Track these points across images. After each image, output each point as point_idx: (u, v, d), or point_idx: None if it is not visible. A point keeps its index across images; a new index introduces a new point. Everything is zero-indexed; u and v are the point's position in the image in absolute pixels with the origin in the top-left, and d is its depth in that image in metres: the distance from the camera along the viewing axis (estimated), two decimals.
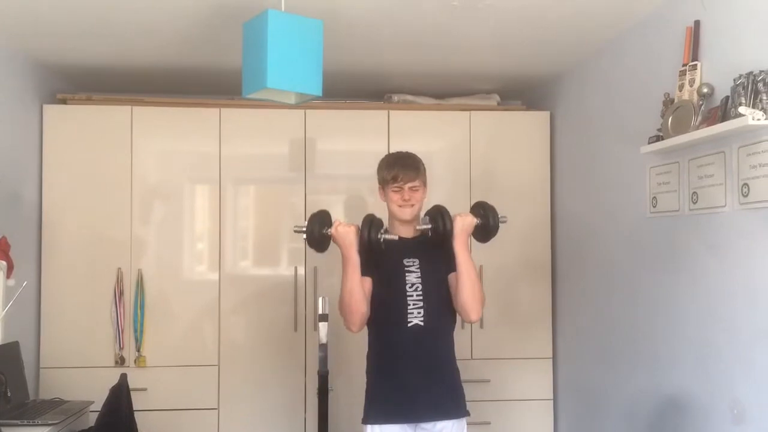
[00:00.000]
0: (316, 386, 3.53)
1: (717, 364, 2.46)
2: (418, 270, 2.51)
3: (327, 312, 3.58)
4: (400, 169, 2.51)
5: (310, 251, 3.86)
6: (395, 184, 2.51)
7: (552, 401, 3.99)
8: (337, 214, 3.95)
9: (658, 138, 2.72)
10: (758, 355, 2.25)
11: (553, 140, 4.04)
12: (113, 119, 3.78)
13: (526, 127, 4.04)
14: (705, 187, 2.51)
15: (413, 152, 2.61)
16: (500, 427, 3.92)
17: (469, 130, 3.99)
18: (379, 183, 2.58)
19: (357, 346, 3.87)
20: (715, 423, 2.47)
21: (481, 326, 3.94)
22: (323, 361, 3.52)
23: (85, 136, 3.76)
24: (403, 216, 2.54)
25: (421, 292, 2.47)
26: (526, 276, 3.99)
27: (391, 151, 2.70)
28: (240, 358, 3.82)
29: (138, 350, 3.74)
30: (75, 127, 3.76)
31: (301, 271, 3.86)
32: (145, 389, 3.68)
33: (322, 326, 3.55)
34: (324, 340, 3.54)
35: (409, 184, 2.51)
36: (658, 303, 2.86)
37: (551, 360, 4.00)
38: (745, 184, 2.29)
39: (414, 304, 2.47)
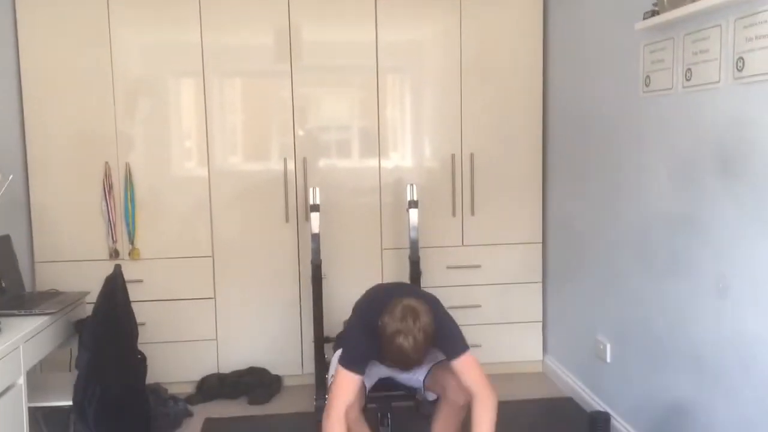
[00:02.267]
0: (310, 274, 3.60)
1: (701, 236, 2.49)
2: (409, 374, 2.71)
3: (318, 202, 3.59)
4: (402, 368, 2.49)
5: (300, 143, 3.85)
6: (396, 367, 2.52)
7: (541, 284, 4.09)
8: (327, 107, 3.90)
9: (654, 13, 2.63)
10: (735, 225, 2.27)
11: (546, 21, 3.92)
12: (89, 6, 3.64)
13: (518, 9, 3.91)
14: (699, 63, 2.45)
15: (423, 339, 2.38)
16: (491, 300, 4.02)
17: (460, 13, 3.86)
18: (379, 335, 2.43)
19: (349, 234, 3.93)
20: (703, 300, 2.52)
21: (472, 213, 3.97)
22: (316, 251, 3.56)
23: (62, 26, 3.63)
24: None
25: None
26: (518, 159, 3.98)
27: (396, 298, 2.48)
28: (234, 249, 3.85)
29: (131, 243, 3.76)
30: (50, 16, 3.62)
31: (291, 163, 3.83)
32: (141, 281, 3.74)
33: (314, 216, 3.57)
34: (316, 230, 3.57)
35: None
36: (642, 182, 2.87)
37: (541, 245, 4.05)
38: (741, 58, 2.23)
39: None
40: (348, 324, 2.73)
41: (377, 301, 2.58)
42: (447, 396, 2.68)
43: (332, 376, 2.63)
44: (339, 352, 2.71)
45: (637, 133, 2.94)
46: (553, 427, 3.39)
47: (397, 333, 2.33)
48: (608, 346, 3.27)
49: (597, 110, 3.34)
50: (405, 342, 2.32)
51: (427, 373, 2.73)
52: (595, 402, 3.41)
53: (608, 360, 3.28)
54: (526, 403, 3.58)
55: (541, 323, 4.10)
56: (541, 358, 4.12)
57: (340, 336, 2.92)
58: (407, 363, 2.39)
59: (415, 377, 2.75)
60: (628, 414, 3.11)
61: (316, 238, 3.56)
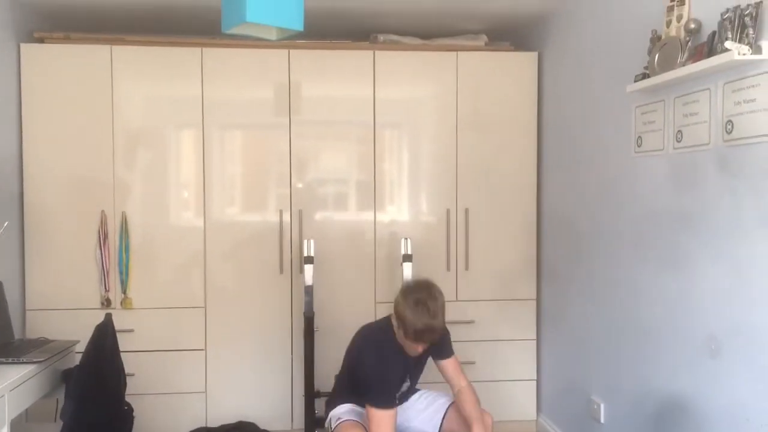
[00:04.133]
0: (302, 327, 3.57)
1: (692, 295, 2.49)
2: (408, 381, 2.78)
3: (312, 254, 3.59)
4: (426, 340, 2.56)
5: (296, 195, 3.87)
6: (418, 343, 2.57)
7: (535, 341, 4.05)
8: (324, 160, 3.94)
9: (645, 76, 2.69)
10: (736, 292, 2.27)
11: (541, 81, 3.99)
12: (92, 59, 3.71)
13: (514, 68, 3.99)
14: (690, 125, 2.49)
15: (441, 321, 2.55)
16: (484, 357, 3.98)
17: (456, 70, 3.94)
18: (396, 319, 2.58)
19: (342, 287, 3.92)
20: (696, 360, 2.51)
21: (467, 268, 3.96)
22: (309, 304, 3.55)
23: (64, 76, 3.69)
24: (413, 354, 2.64)
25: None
26: (513, 216, 4.00)
27: (420, 301, 2.54)
28: (226, 300, 3.84)
29: (124, 292, 3.74)
30: (53, 67, 3.69)
31: (286, 215, 3.85)
32: (131, 330, 3.71)
33: (308, 268, 3.57)
34: (309, 282, 3.56)
35: None
36: (639, 247, 2.88)
37: (535, 302, 4.04)
38: (729, 121, 2.27)
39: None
40: (355, 365, 2.71)
41: (374, 326, 2.76)
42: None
43: (336, 427, 2.63)
44: (336, 410, 2.69)
45: (631, 191, 2.96)
46: None
47: (416, 302, 2.46)
48: (602, 406, 3.23)
49: (590, 169, 3.37)
50: (424, 309, 2.44)
51: (444, 416, 2.75)
52: None
53: (602, 420, 3.23)
54: None
55: (535, 381, 4.06)
56: (535, 417, 4.06)
57: (332, 395, 2.88)
58: (431, 329, 2.46)
59: (430, 424, 2.77)
60: None
61: (309, 290, 3.55)
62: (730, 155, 2.29)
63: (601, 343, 3.26)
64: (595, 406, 3.28)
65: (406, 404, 2.79)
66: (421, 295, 2.50)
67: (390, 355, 2.57)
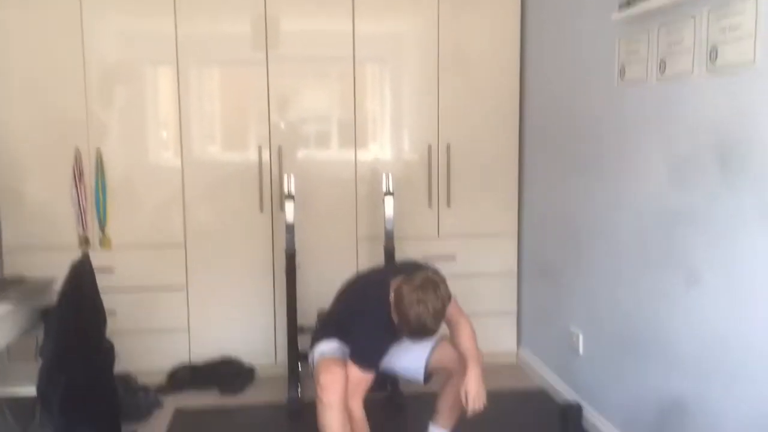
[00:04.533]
0: (284, 264, 3.56)
1: (675, 228, 2.49)
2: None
3: (293, 191, 3.56)
4: (420, 337, 2.52)
5: (275, 132, 3.81)
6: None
7: (516, 275, 4.08)
8: (304, 97, 3.86)
9: (629, 3, 2.62)
10: (714, 216, 2.28)
11: (524, 14, 3.90)
12: None
13: (496, 2, 3.89)
14: (674, 54, 2.45)
15: (439, 308, 2.44)
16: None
17: (438, 5, 3.83)
18: (395, 305, 2.47)
19: (324, 224, 3.90)
20: (674, 290, 2.53)
21: (448, 204, 3.95)
22: (290, 241, 3.52)
23: (31, 9, 3.55)
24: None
25: None
26: (494, 151, 3.97)
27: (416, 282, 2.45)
28: (207, 239, 3.81)
29: (102, 231, 3.70)
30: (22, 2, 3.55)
31: (266, 152, 3.79)
32: (112, 269, 3.69)
33: (289, 205, 3.53)
34: (290, 219, 3.53)
35: None
36: (622, 174, 2.87)
37: (516, 237, 4.05)
38: (714, 49, 2.23)
39: None
40: (347, 316, 2.68)
41: (376, 283, 2.64)
42: (456, 370, 2.69)
43: (318, 361, 2.61)
44: (321, 345, 2.69)
45: (615, 124, 2.93)
46: (526, 418, 3.39)
47: (417, 302, 2.37)
48: (581, 337, 3.28)
49: (573, 101, 3.33)
50: (425, 310, 2.37)
51: (430, 354, 2.73)
52: (568, 394, 3.41)
53: (581, 351, 3.28)
54: (498, 394, 3.51)
55: (515, 315, 4.11)
56: (515, 350, 4.13)
57: (319, 330, 2.88)
58: (425, 331, 2.42)
59: (416, 363, 2.74)
60: (601, 405, 3.11)
61: (290, 227, 3.52)
62: (714, 83, 2.26)
63: (580, 275, 3.29)
64: (574, 338, 3.33)
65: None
66: (426, 296, 2.40)
67: (382, 328, 2.54)
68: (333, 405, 2.44)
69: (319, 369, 2.54)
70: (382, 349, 2.58)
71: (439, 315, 2.41)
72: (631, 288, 2.82)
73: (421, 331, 2.43)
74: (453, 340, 2.67)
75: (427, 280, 2.43)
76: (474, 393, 2.47)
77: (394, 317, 2.46)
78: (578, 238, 3.30)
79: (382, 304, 2.51)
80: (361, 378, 2.49)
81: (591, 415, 3.16)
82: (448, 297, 2.47)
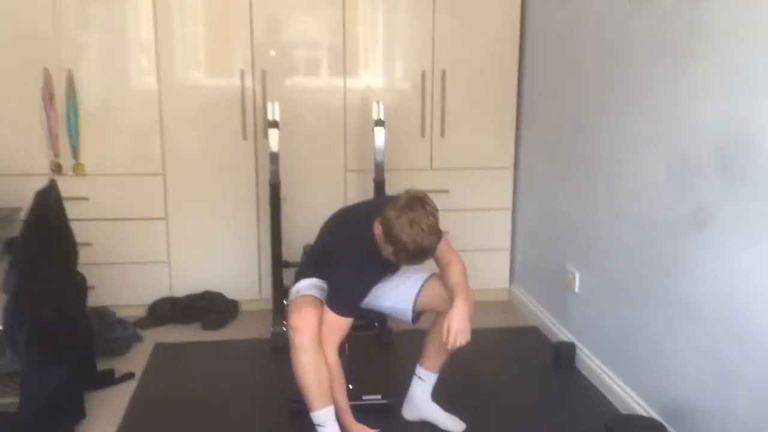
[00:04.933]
0: (268, 196, 3.38)
1: (686, 168, 2.32)
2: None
3: (277, 119, 3.34)
4: (420, 261, 2.30)
5: (260, 56, 3.56)
6: (409, 264, 2.36)
7: (511, 210, 3.93)
8: (290, 21, 3.59)
9: None
10: (728, 160, 2.10)
11: None
12: None
13: None
14: None
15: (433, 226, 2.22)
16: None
17: None
18: (384, 236, 2.24)
19: (310, 154, 3.71)
20: (681, 229, 2.37)
21: (442, 135, 3.76)
22: (274, 172, 3.33)
23: None
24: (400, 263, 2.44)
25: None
26: (492, 78, 3.75)
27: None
28: (187, 167, 3.61)
29: (75, 158, 3.49)
30: None
31: (249, 77, 3.55)
32: (86, 198, 3.51)
33: (273, 133, 3.33)
34: (275, 148, 3.33)
35: None
36: (628, 107, 2.67)
37: (512, 170, 3.87)
38: None
39: None
40: (326, 254, 2.48)
41: (358, 217, 2.45)
42: (445, 310, 2.49)
43: (291, 301, 2.45)
44: (299, 283, 2.53)
45: (624, 46, 2.72)
46: (518, 356, 3.30)
47: (410, 224, 2.17)
48: (577, 276, 3.15)
49: (580, 24, 3.10)
50: (419, 230, 2.17)
51: (418, 293, 2.57)
52: (561, 332, 3.31)
53: (576, 290, 3.15)
54: (490, 331, 3.47)
55: (509, 251, 3.97)
56: (507, 286, 4.01)
57: (300, 268, 2.71)
58: (425, 252, 2.22)
59: (404, 303, 2.57)
60: (594, 345, 3.01)
61: (274, 157, 3.32)
62: None
63: (578, 211, 3.14)
64: (570, 276, 3.20)
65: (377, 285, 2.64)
66: (416, 214, 2.18)
67: (365, 267, 2.36)
68: (305, 347, 2.28)
69: (291, 309, 2.38)
70: (361, 292, 2.41)
71: (435, 230, 2.22)
72: (634, 228, 2.66)
73: (420, 253, 2.21)
74: (443, 279, 2.52)
75: (411, 198, 2.23)
76: (456, 328, 2.30)
77: (387, 249, 2.26)
78: (580, 172, 3.13)
79: (363, 240, 2.33)
80: (336, 323, 2.34)
81: (584, 354, 3.06)
82: (437, 210, 2.26)
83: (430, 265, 2.43)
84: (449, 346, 2.33)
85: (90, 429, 2.60)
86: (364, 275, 2.38)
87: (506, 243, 3.96)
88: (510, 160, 3.86)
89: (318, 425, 2.35)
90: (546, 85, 3.51)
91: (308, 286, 2.47)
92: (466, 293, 2.38)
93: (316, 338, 2.30)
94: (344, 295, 2.36)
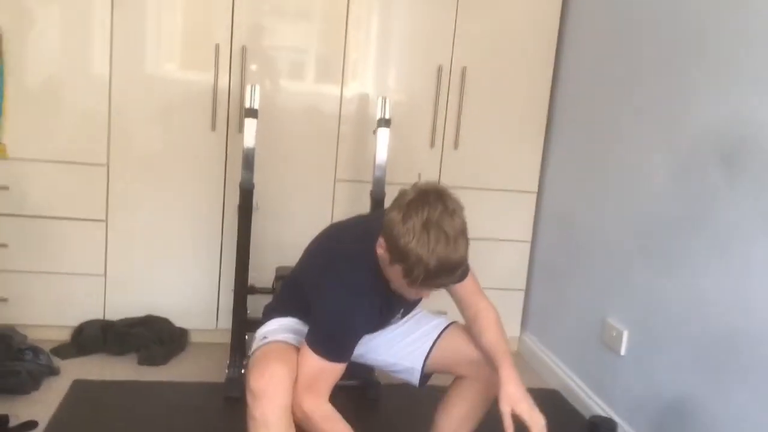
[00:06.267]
0: (237, 204, 2.68)
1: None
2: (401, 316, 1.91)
3: (256, 107, 2.65)
4: (441, 285, 1.58)
5: (238, 28, 2.87)
6: (425, 289, 1.59)
7: (530, 243, 3.27)
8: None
9: None
10: None
11: None
12: None
13: None
14: None
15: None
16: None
17: None
18: (390, 252, 1.53)
19: (293, 157, 3.01)
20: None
21: (456, 146, 3.09)
22: (248, 172, 2.63)
23: None
24: (409, 299, 1.72)
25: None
26: (521, 82, 3.11)
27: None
28: (138, 160, 2.88)
29: None
30: None
31: (224, 53, 2.86)
32: (6, 188, 2.78)
33: (249, 124, 2.63)
34: (251, 143, 2.63)
35: None
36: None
37: (536, 195, 3.22)
38: None
39: None
40: (311, 280, 1.75)
41: (356, 232, 1.76)
42: (472, 373, 1.85)
43: (255, 350, 1.73)
44: (268, 324, 1.81)
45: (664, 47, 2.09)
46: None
47: (425, 225, 1.45)
48: (625, 335, 2.47)
49: (638, 13, 2.48)
50: (438, 235, 1.45)
51: (432, 346, 1.87)
52: (594, 402, 2.63)
53: (622, 352, 2.48)
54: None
55: (523, 292, 3.29)
56: (518, 334, 3.33)
57: (272, 303, 1.98)
58: (449, 268, 1.48)
59: (410, 358, 1.88)
60: (635, 420, 2.33)
61: (249, 154, 2.62)
62: None
63: (618, 269, 2.48)
64: (614, 333, 2.53)
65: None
66: (433, 212, 1.47)
67: (365, 299, 1.65)
68: (269, 423, 1.56)
69: (252, 363, 1.67)
70: (357, 331, 1.69)
71: (463, 235, 1.49)
72: (715, 276, 2.01)
73: (444, 271, 1.48)
74: (471, 329, 1.84)
75: (423, 192, 1.51)
76: (533, 416, 1.63)
77: (395, 274, 1.55)
78: (630, 203, 2.48)
79: (363, 263, 1.64)
80: (321, 369, 1.62)
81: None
82: (462, 208, 1.53)
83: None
84: None
85: None
86: (364, 309, 1.65)
87: (521, 282, 3.28)
88: (534, 183, 3.20)
89: None
90: (585, 95, 2.88)
91: (281, 329, 1.77)
92: (509, 355, 1.70)
93: (285, 409, 1.58)
94: (335, 332, 1.64)
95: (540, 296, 3.22)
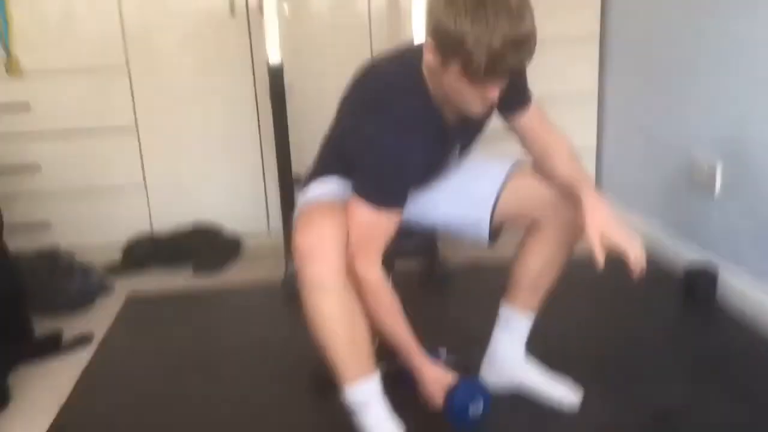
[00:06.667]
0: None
1: None
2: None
3: None
4: (508, 68, 1.24)
5: None
6: (492, 81, 1.26)
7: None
8: None
9: None
10: None
11: None
12: None
13: None
14: None
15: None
16: None
17: None
18: (441, 50, 1.25)
19: (321, 20, 2.72)
20: None
21: None
22: (274, 49, 2.38)
23: None
24: (474, 112, 1.37)
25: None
26: None
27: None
28: (158, 58, 2.68)
29: (6, 51, 2.57)
30: None
31: None
32: (27, 105, 2.62)
33: (269, 3, 2.36)
34: (272, 19, 2.37)
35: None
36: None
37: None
38: None
39: None
40: (352, 126, 1.46)
41: (391, 71, 1.46)
42: (548, 215, 1.59)
43: (299, 213, 1.52)
44: (310, 189, 1.60)
45: None
46: (627, 287, 2.27)
47: (478, 3, 1.17)
48: (718, 170, 2.17)
49: None
50: (499, 7, 1.17)
51: (500, 190, 1.60)
52: (688, 251, 2.35)
53: (716, 191, 2.18)
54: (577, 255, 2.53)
55: (594, 148, 2.99)
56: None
57: (312, 167, 1.73)
58: (519, 43, 1.20)
59: (476, 209, 1.60)
60: (742, 264, 2.06)
61: (272, 29, 2.37)
62: None
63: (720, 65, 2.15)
64: (706, 170, 2.22)
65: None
66: None
67: (416, 131, 1.37)
68: (324, 283, 1.36)
69: (296, 225, 1.46)
70: (410, 171, 1.40)
71: (526, 5, 1.21)
72: None
73: (508, 46, 1.19)
74: (542, 167, 1.58)
75: None
76: (626, 239, 1.37)
77: (451, 80, 1.28)
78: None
79: (412, 83, 1.38)
80: (371, 221, 1.39)
81: (732, 281, 2.11)
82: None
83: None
84: (637, 273, 1.38)
85: (13, 422, 1.75)
86: (417, 143, 1.38)
87: (591, 138, 2.97)
88: (596, 26, 2.85)
89: (355, 407, 1.46)
90: None
91: (325, 188, 1.55)
92: (592, 187, 1.45)
93: (339, 268, 1.37)
94: (386, 173, 1.38)
95: (613, 141, 2.90)
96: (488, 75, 1.24)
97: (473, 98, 1.31)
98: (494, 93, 1.30)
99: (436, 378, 1.56)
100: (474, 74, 1.23)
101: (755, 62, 1.96)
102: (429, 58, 1.29)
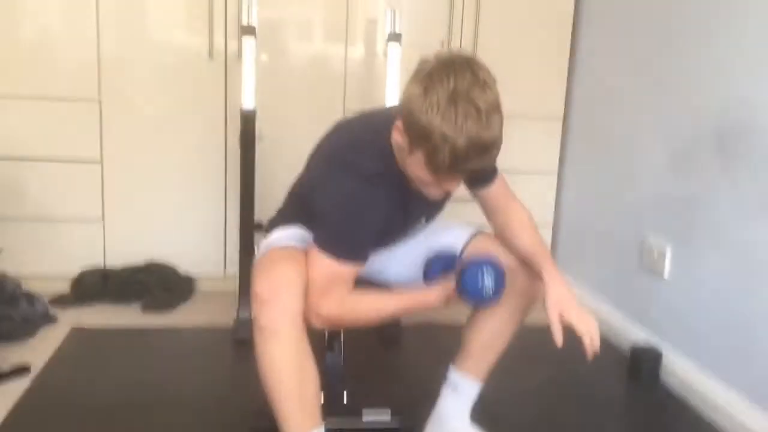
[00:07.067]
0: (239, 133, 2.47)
1: None
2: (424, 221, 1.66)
3: (254, 24, 2.44)
4: (474, 163, 1.26)
5: None
6: (452, 177, 1.31)
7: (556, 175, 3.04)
8: None
9: None
10: None
11: None
12: None
13: None
14: None
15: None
16: None
17: None
18: (408, 133, 1.28)
19: (298, 72, 2.79)
20: None
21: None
22: (249, 95, 2.42)
23: None
24: (430, 195, 1.41)
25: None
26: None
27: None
28: (131, 93, 2.69)
29: None
30: None
31: None
32: None
33: (248, 44, 2.42)
34: (249, 65, 2.42)
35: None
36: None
37: (560, 122, 2.99)
38: None
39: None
40: (317, 179, 1.50)
41: (358, 132, 1.51)
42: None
43: (259, 257, 1.52)
44: (272, 235, 1.61)
45: None
46: (574, 360, 2.33)
47: (452, 97, 1.20)
48: (668, 254, 2.24)
49: None
50: (469, 107, 1.20)
51: (461, 251, 1.63)
52: (633, 333, 2.41)
53: (665, 274, 2.25)
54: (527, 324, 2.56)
55: (551, 223, 3.07)
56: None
57: (276, 215, 1.74)
58: (481, 149, 1.22)
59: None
60: (699, 354, 2.12)
61: (249, 75, 2.41)
62: None
63: (654, 178, 2.25)
64: (655, 254, 2.30)
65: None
66: (461, 81, 1.22)
67: (380, 192, 1.39)
68: (277, 330, 1.35)
69: (256, 271, 1.46)
70: (370, 227, 1.42)
71: (496, 110, 1.23)
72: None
73: (476, 151, 1.22)
74: (502, 235, 1.62)
75: (447, 61, 1.26)
76: (583, 320, 1.41)
77: (415, 163, 1.30)
78: (665, 104, 2.25)
79: (377, 148, 1.40)
80: (334, 273, 1.39)
81: (675, 364, 2.17)
82: (495, 80, 1.27)
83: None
84: (590, 354, 1.41)
85: None
86: (379, 199, 1.40)
87: (549, 215, 3.06)
88: (560, 109, 2.97)
89: None
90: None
91: (286, 237, 1.56)
92: (550, 258, 1.49)
93: (295, 315, 1.37)
94: (346, 227, 1.40)
95: (567, 223, 2.99)
96: (450, 171, 1.27)
97: (432, 185, 1.34)
98: (452, 187, 1.35)
99: (438, 290, 1.50)
100: (436, 168, 1.26)
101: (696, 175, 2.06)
102: (397, 137, 1.32)
